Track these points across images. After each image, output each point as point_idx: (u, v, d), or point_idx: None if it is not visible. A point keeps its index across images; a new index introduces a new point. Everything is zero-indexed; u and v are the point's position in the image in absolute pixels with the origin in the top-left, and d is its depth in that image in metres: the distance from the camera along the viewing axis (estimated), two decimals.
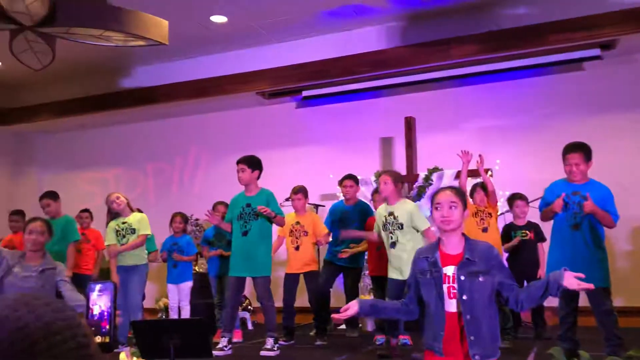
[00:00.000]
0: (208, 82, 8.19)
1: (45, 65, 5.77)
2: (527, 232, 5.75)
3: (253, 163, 5.27)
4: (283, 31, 7.60)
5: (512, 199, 5.95)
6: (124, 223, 5.70)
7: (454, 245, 2.57)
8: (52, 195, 6.13)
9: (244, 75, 8.02)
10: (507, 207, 6.16)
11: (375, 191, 5.92)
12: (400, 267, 4.67)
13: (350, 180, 6.09)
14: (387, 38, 7.40)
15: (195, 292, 6.72)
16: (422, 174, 7.19)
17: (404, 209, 4.79)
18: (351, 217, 5.97)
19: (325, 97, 8.32)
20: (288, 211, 6.09)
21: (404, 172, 7.25)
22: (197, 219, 8.15)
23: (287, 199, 6.38)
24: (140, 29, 5.15)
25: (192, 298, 6.57)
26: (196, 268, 7.36)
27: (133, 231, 5.67)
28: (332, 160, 7.90)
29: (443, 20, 7.10)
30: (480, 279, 2.47)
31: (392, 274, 4.78)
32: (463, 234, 2.62)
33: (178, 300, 6.46)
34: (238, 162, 5.28)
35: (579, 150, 4.12)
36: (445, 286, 2.52)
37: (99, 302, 3.07)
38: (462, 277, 2.48)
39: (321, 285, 5.92)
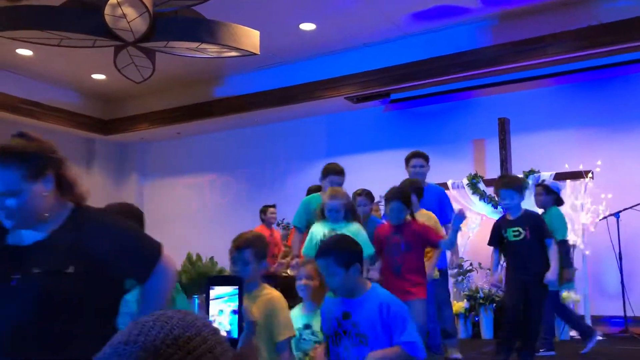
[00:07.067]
0: (298, 88, 8.31)
1: (145, 78, 6.09)
2: None
3: None
4: (370, 35, 7.58)
5: None
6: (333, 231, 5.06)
7: None
8: None
9: (333, 80, 8.07)
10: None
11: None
12: None
13: None
14: (478, 38, 7.20)
15: None
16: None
17: None
18: None
19: (414, 99, 8.21)
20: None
21: (497, 174, 7.04)
22: (288, 223, 8.27)
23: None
24: (234, 40, 5.31)
25: None
26: (288, 271, 7.44)
27: None
28: None
29: (537, 18, 6.82)
30: None
31: None
32: None
33: None
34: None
35: None
36: None
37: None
38: None
39: None
